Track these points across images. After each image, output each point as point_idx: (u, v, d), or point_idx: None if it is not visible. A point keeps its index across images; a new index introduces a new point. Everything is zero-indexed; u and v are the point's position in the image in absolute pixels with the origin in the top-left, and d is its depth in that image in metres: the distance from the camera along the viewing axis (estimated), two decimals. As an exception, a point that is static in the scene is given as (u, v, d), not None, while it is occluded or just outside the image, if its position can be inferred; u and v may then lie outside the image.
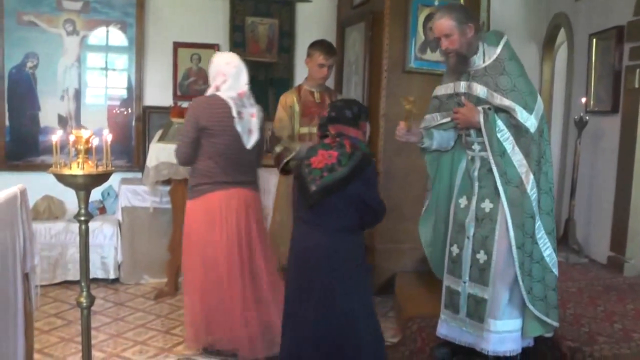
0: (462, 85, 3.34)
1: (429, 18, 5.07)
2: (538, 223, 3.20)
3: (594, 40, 5.90)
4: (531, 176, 3.14)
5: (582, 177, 5.84)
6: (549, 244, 3.26)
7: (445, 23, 3.25)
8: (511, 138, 3.15)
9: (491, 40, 3.30)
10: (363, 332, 3.11)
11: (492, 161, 3.18)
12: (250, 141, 3.79)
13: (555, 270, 3.29)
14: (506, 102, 3.14)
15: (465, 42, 3.24)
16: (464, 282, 3.36)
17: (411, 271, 5.01)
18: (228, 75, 3.72)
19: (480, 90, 3.24)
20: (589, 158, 5.92)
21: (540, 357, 3.50)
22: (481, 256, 3.27)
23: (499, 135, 3.15)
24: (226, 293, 3.75)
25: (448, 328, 3.48)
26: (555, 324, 3.29)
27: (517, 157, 3.15)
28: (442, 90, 3.53)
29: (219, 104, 3.69)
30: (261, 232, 3.96)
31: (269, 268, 3.92)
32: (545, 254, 3.25)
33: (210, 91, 3.79)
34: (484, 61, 3.27)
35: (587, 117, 5.72)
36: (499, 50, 3.24)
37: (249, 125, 3.77)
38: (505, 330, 3.26)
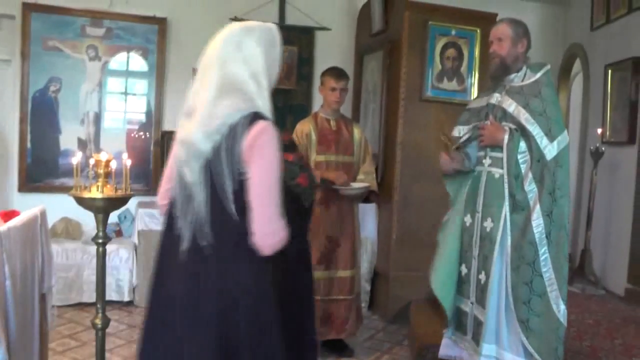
0: (496, 97, 3.37)
1: (446, 47, 5.13)
2: (545, 256, 3.09)
3: (610, 70, 5.91)
4: (538, 205, 3.10)
5: (598, 208, 5.81)
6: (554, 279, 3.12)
7: (502, 28, 3.32)
8: (529, 162, 3.15)
9: (534, 69, 3.34)
10: None
11: (506, 180, 3.19)
12: None
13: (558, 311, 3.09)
14: (530, 123, 3.15)
15: (512, 54, 3.30)
16: (471, 303, 3.36)
17: (426, 299, 4.98)
18: None
19: (510, 104, 3.26)
20: (606, 189, 5.89)
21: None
22: (482, 277, 3.25)
23: (519, 157, 3.16)
24: None
25: (459, 349, 3.46)
26: None
27: (529, 182, 3.13)
28: (476, 103, 3.59)
29: None
30: None
31: None
32: (548, 290, 3.09)
33: None
34: (522, 80, 3.31)
35: (603, 148, 5.71)
36: (539, 75, 3.28)
37: None
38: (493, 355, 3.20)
